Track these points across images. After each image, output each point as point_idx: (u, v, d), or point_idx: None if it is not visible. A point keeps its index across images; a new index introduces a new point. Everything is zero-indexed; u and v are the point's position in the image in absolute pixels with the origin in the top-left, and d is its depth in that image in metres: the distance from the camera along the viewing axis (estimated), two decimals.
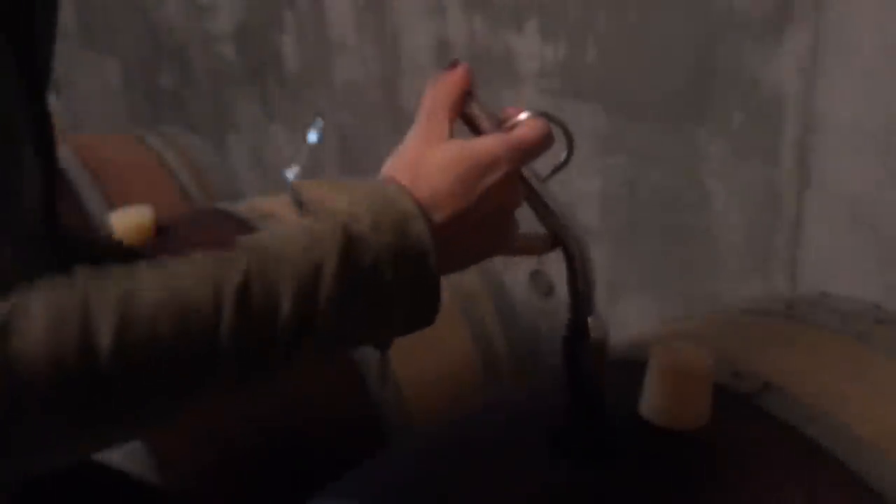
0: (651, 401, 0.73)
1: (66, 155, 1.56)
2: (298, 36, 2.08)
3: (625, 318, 1.62)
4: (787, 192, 1.30)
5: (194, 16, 2.34)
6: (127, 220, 1.14)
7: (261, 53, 2.20)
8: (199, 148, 1.88)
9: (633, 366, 0.82)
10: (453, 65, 0.60)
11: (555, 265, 1.61)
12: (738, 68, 1.30)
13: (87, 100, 2.86)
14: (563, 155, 0.64)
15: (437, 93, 0.60)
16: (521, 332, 1.38)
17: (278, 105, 2.22)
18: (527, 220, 0.65)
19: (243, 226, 1.22)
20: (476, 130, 0.62)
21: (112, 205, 1.48)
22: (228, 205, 1.31)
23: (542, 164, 0.65)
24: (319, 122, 1.29)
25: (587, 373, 0.67)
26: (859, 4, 1.15)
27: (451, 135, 0.60)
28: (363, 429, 1.16)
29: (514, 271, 1.74)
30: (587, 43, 1.50)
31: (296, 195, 0.54)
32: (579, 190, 1.60)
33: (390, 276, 0.52)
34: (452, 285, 1.31)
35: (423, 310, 0.57)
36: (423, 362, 1.24)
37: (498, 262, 1.54)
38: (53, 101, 2.13)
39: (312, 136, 1.68)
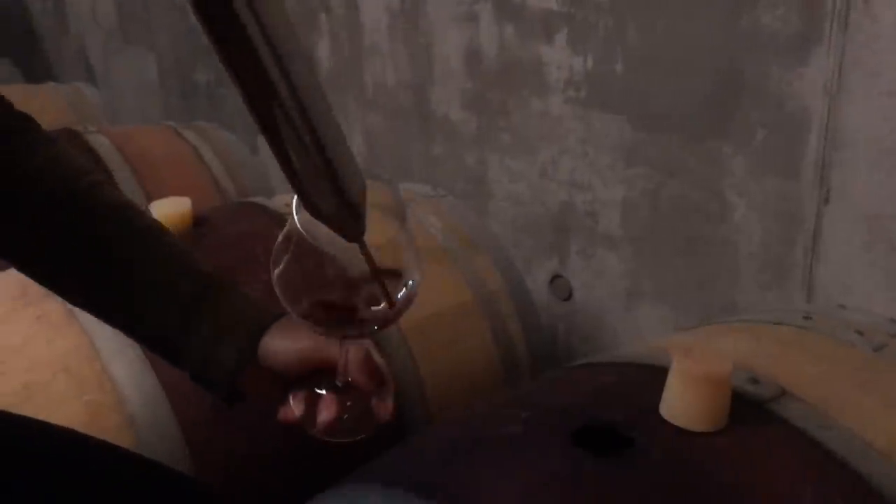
0: (671, 402, 0.76)
1: (105, 146, 1.61)
2: (332, 39, 2.12)
3: (642, 326, 1.66)
4: (807, 206, 1.33)
5: None
6: (166, 211, 1.19)
7: None
8: (232, 144, 1.93)
9: (654, 369, 0.85)
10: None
11: (575, 271, 1.65)
12: (763, 85, 1.33)
13: (124, 93, 2.92)
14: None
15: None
16: (540, 333, 1.41)
17: None
18: None
19: (277, 219, 1.27)
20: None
21: (149, 195, 1.53)
22: (262, 199, 1.36)
23: None
24: None
25: None
26: (884, 27, 1.18)
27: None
28: (386, 425, 1.20)
29: (535, 274, 1.78)
30: (615, 55, 1.54)
31: None
32: (602, 198, 1.63)
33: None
34: (475, 284, 1.34)
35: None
36: (444, 359, 1.28)
37: (519, 264, 1.58)
38: (93, 93, 2.21)
39: None
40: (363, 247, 0.55)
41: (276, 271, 0.58)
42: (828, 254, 1.33)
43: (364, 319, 0.61)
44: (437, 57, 1.88)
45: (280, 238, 0.57)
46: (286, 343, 0.65)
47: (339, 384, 0.66)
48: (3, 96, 0.68)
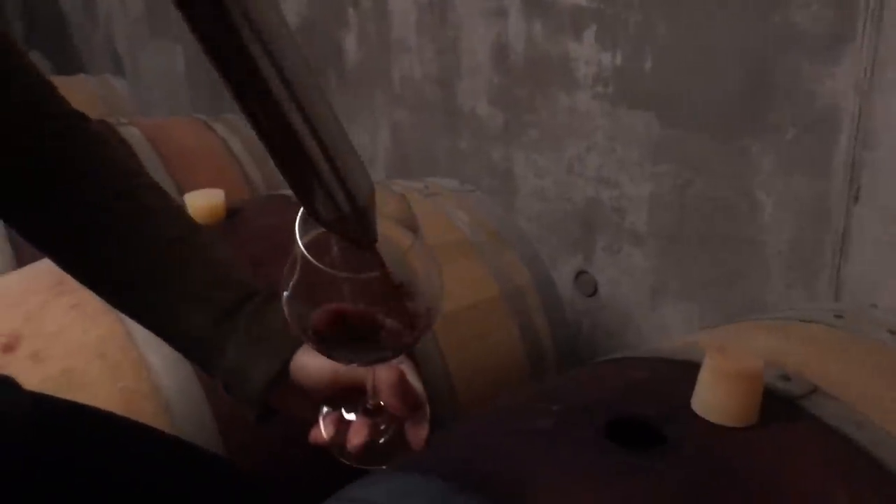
0: (703, 397, 0.77)
1: (137, 137, 1.62)
2: (360, 33, 2.13)
3: (667, 323, 1.66)
4: (837, 206, 1.33)
5: None
6: (200, 202, 1.20)
7: (322, 48, 2.26)
8: None
9: (684, 365, 0.86)
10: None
11: (600, 267, 1.65)
12: (795, 83, 1.33)
13: (152, 85, 2.94)
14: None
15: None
16: (566, 328, 1.42)
17: (336, 99, 2.28)
18: None
19: None
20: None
21: (180, 187, 1.55)
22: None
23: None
24: None
25: None
26: None
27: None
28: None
29: (560, 270, 1.79)
30: (644, 51, 1.54)
31: None
32: (629, 194, 1.63)
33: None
34: (502, 279, 1.35)
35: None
36: (471, 352, 1.28)
37: (544, 260, 1.58)
38: (122, 84, 2.23)
39: None
40: (375, 256, 0.51)
41: (285, 296, 0.54)
42: (856, 253, 1.33)
43: (380, 344, 0.56)
44: (465, 52, 1.89)
45: (288, 262, 0.53)
46: (319, 361, 0.62)
47: (369, 407, 0.62)
48: (61, 95, 0.69)
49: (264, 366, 0.64)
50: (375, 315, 0.54)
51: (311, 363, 0.63)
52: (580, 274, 1.78)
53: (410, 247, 0.53)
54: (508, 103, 1.82)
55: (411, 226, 0.55)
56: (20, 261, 1.47)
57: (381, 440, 0.63)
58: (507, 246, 1.39)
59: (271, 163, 1.64)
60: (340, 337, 0.55)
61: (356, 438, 0.61)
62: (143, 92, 2.95)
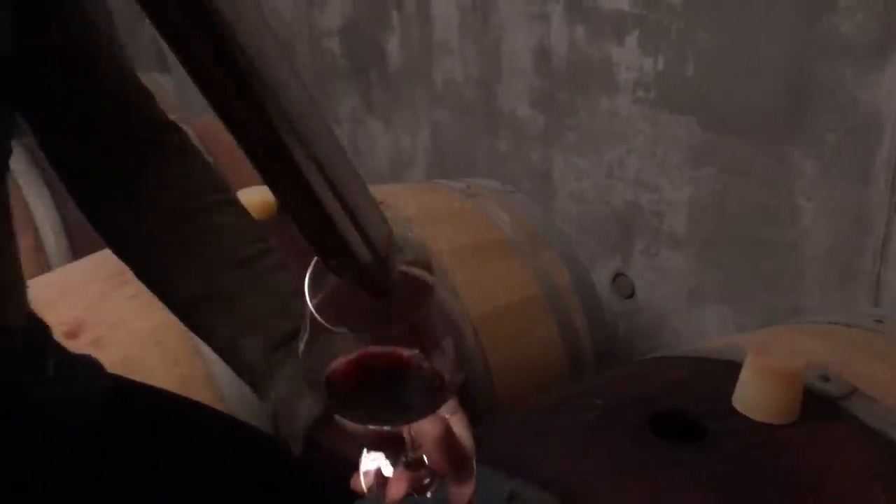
0: (745, 395, 0.79)
1: (191, 136, 1.66)
2: (403, 35, 2.17)
3: (704, 326, 1.67)
4: (877, 212, 1.34)
5: (304, 10, 2.45)
6: (253, 198, 1.24)
7: (365, 50, 2.29)
8: None
9: (725, 364, 0.88)
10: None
11: (638, 270, 1.67)
12: (837, 89, 1.34)
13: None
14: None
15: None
16: (604, 329, 1.44)
17: (377, 100, 2.32)
18: None
19: None
20: None
21: (230, 184, 1.58)
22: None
23: None
24: None
25: None
26: None
27: None
28: None
29: (597, 272, 1.80)
30: (686, 56, 1.55)
31: None
32: (668, 198, 1.65)
33: None
34: (542, 279, 1.37)
35: None
36: (512, 350, 1.31)
37: (585, 261, 1.60)
38: (168, 82, 2.28)
39: None
40: (394, 306, 0.46)
41: (300, 352, 0.49)
42: None
43: (404, 404, 0.50)
44: (506, 54, 1.91)
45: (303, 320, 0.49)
46: None
47: (409, 460, 0.57)
48: (157, 104, 0.71)
49: (310, 404, 0.62)
50: (399, 369, 0.48)
51: None
52: (617, 276, 1.80)
53: (431, 293, 0.47)
54: (549, 106, 1.85)
55: (427, 269, 0.49)
56: (75, 254, 1.53)
57: (419, 496, 0.57)
58: (547, 247, 1.41)
59: None
60: (361, 396, 0.49)
61: (394, 492, 0.56)
62: (189, 90, 3.01)
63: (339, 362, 0.47)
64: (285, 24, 2.53)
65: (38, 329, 0.69)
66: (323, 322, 0.45)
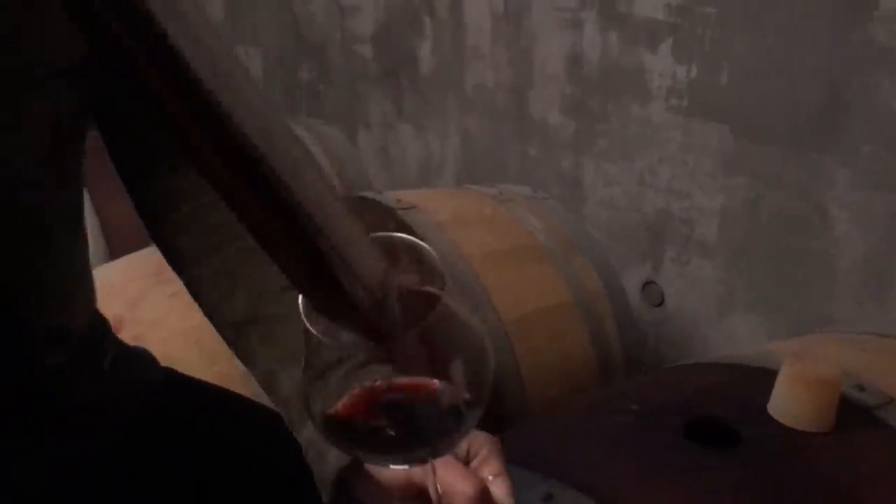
0: (780, 402, 0.79)
1: None
2: (435, 41, 2.18)
3: (734, 335, 1.67)
4: None
5: (337, 15, 2.47)
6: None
7: (397, 55, 2.31)
8: (338, 140, 2.00)
9: (760, 371, 0.88)
10: None
11: (668, 277, 1.67)
12: (873, 99, 1.33)
13: None
14: None
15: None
16: (635, 335, 1.44)
17: (408, 105, 2.34)
18: None
19: (390, 215, 1.32)
20: None
21: None
22: (373, 194, 1.42)
23: None
24: None
25: None
26: None
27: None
28: (486, 414, 1.25)
29: (627, 279, 1.81)
30: (720, 65, 1.56)
31: None
32: (700, 206, 1.65)
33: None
34: (574, 285, 1.38)
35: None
36: (543, 355, 1.32)
37: (616, 266, 1.61)
38: None
39: None
40: (397, 345, 0.42)
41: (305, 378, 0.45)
42: None
43: (421, 438, 0.45)
44: (538, 61, 1.92)
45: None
46: None
47: None
48: None
49: (339, 452, 0.58)
50: (411, 400, 0.43)
51: None
52: (647, 284, 1.80)
53: (437, 302, 0.42)
54: (580, 113, 1.85)
55: (437, 281, 0.43)
56: (112, 255, 1.55)
57: None
58: (578, 253, 1.42)
59: (350, 166, 1.68)
60: (370, 432, 0.44)
61: None
62: None
63: (342, 401, 0.43)
64: (318, 29, 2.55)
65: (98, 326, 0.70)
66: (315, 332, 0.41)
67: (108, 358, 0.69)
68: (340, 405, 0.43)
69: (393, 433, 0.44)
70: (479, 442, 0.55)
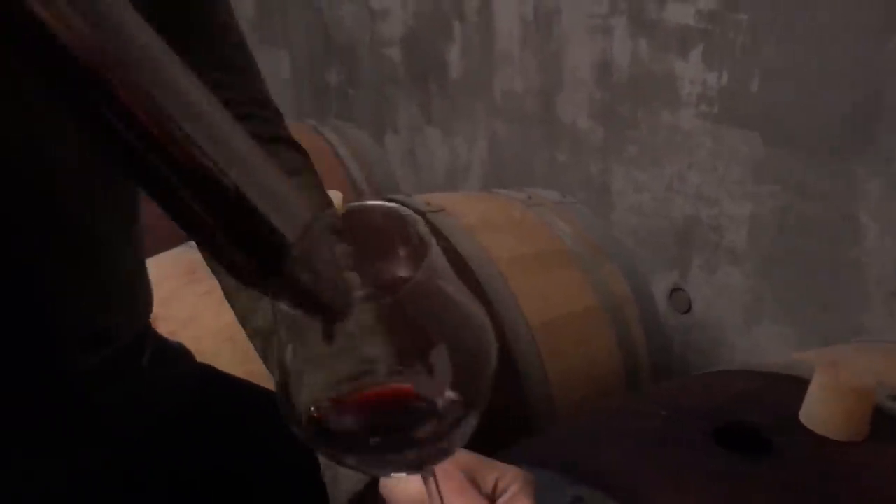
0: (812, 410, 0.79)
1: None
2: (464, 45, 2.19)
3: (761, 344, 1.66)
4: None
5: (366, 19, 2.49)
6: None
7: (426, 59, 2.32)
8: (367, 143, 2.01)
9: (790, 379, 0.88)
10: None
11: (696, 284, 1.67)
12: None
13: None
14: None
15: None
16: (662, 342, 1.44)
17: (436, 109, 2.34)
18: None
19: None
20: None
21: None
22: (403, 196, 1.43)
23: None
24: None
25: None
26: None
27: None
28: (513, 417, 1.25)
29: (654, 286, 1.80)
30: (751, 72, 1.55)
31: None
32: (728, 213, 1.64)
33: None
34: (602, 290, 1.38)
35: None
36: (570, 359, 1.32)
37: (643, 272, 1.61)
38: None
39: None
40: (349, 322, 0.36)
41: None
42: None
43: (413, 441, 0.39)
44: (567, 67, 1.92)
45: None
46: (407, 487, 0.51)
47: None
48: (263, 84, 0.70)
49: (353, 475, 0.56)
50: (401, 400, 0.39)
51: (397, 486, 0.52)
52: (674, 291, 1.79)
53: (427, 252, 0.36)
54: (609, 118, 1.85)
55: (419, 247, 0.38)
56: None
57: None
58: (607, 258, 1.42)
59: (378, 169, 1.68)
60: (351, 432, 0.40)
61: None
62: None
63: (327, 402, 0.39)
64: (347, 33, 2.57)
65: (142, 325, 0.71)
66: (283, 307, 0.36)
67: (147, 353, 0.70)
68: (325, 405, 0.39)
69: (377, 435, 0.39)
70: (510, 477, 0.51)
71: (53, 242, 0.58)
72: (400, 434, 0.39)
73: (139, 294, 0.69)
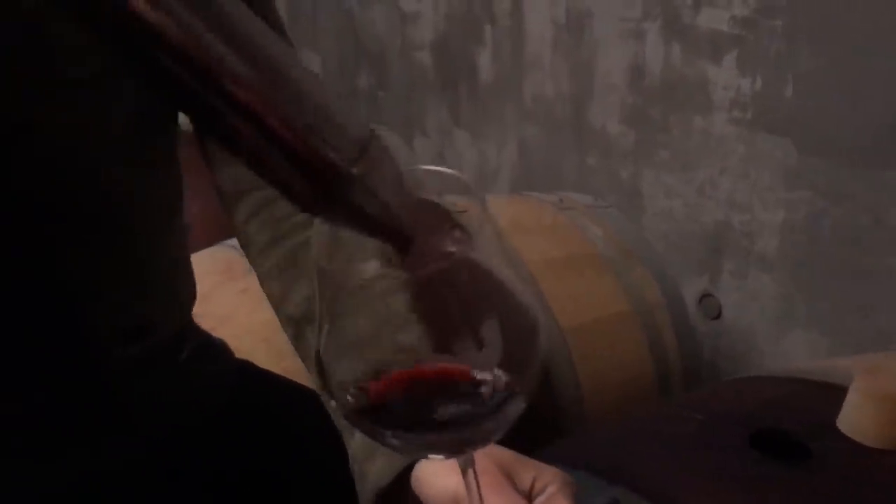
0: (851, 417, 0.78)
1: None
2: (495, 50, 2.20)
3: (792, 352, 1.65)
4: None
5: (397, 22, 2.50)
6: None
7: (456, 63, 2.33)
8: (399, 147, 2.03)
9: (827, 385, 0.88)
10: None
11: (726, 291, 1.65)
12: None
13: None
14: None
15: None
16: (694, 347, 1.43)
17: (466, 113, 2.35)
18: None
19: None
20: None
21: None
22: (435, 197, 1.43)
23: None
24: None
25: None
26: None
27: None
28: (543, 420, 1.25)
29: (684, 291, 1.80)
30: (785, 78, 1.54)
31: None
32: (760, 219, 1.64)
33: None
34: (633, 295, 1.38)
35: None
36: (600, 363, 1.32)
37: (675, 278, 1.60)
38: None
39: None
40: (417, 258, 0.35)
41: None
42: None
43: (460, 423, 0.38)
44: (599, 71, 1.92)
45: None
46: (440, 481, 0.50)
47: None
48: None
49: (378, 470, 0.55)
50: (449, 381, 0.38)
51: (430, 481, 0.51)
52: (704, 297, 1.79)
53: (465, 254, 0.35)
54: (641, 123, 1.85)
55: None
56: None
57: None
58: (639, 262, 1.42)
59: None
60: (392, 410, 0.39)
61: None
62: None
63: (367, 378, 0.38)
64: (377, 36, 2.58)
65: (182, 319, 0.72)
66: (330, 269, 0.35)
67: (186, 347, 0.71)
68: (366, 383, 0.38)
69: (419, 414, 0.38)
70: (548, 476, 0.50)
71: (93, 234, 0.59)
72: (442, 413, 0.38)
73: (180, 288, 0.70)
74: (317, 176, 0.32)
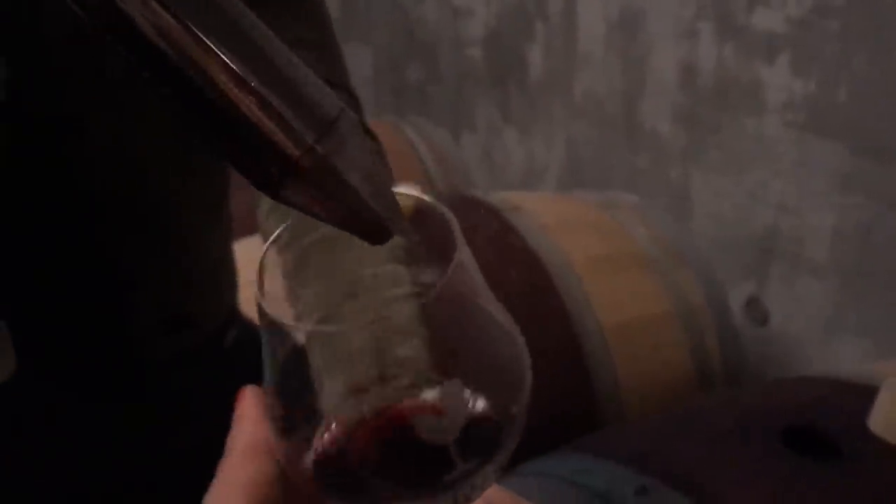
0: (882, 418, 0.77)
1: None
2: (546, 46, 2.19)
3: (841, 359, 1.62)
4: None
5: (449, 18, 2.51)
6: (399, 197, 1.28)
7: (507, 59, 2.33)
8: (446, 142, 2.03)
9: (863, 387, 0.86)
10: None
11: (774, 296, 1.63)
12: None
13: None
14: None
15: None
16: (736, 352, 1.42)
17: (515, 109, 2.35)
18: None
19: (493, 215, 1.34)
20: None
21: None
22: (481, 193, 1.44)
23: None
24: None
25: None
26: None
27: None
28: (580, 417, 1.25)
29: (730, 295, 1.77)
30: (840, 81, 1.51)
31: None
32: (811, 224, 1.61)
33: None
34: (677, 296, 1.37)
35: None
36: (641, 364, 1.31)
37: (719, 281, 1.59)
38: None
39: None
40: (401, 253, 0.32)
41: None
42: None
43: (426, 483, 0.32)
44: (651, 70, 1.91)
45: None
46: None
47: None
48: (345, 68, 0.71)
49: None
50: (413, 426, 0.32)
51: None
52: (751, 301, 1.76)
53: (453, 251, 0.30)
54: (692, 123, 1.83)
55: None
56: None
57: None
58: (684, 264, 1.40)
59: (454, 167, 1.69)
60: (360, 473, 0.33)
61: None
62: None
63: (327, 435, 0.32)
64: (430, 31, 2.59)
65: (227, 309, 0.72)
66: (274, 317, 0.31)
67: (231, 334, 0.72)
68: (325, 439, 0.32)
69: (392, 474, 0.32)
70: None
71: (138, 229, 0.60)
72: (419, 476, 0.32)
73: (224, 280, 0.71)
74: (270, 151, 0.28)
